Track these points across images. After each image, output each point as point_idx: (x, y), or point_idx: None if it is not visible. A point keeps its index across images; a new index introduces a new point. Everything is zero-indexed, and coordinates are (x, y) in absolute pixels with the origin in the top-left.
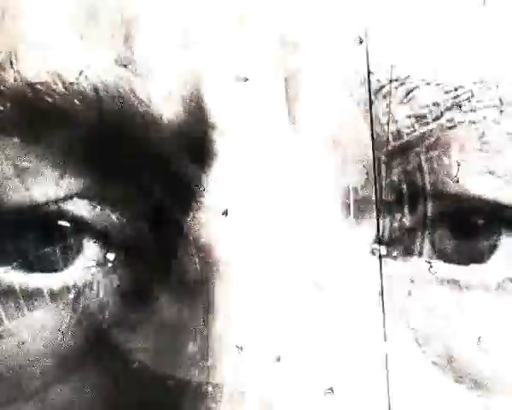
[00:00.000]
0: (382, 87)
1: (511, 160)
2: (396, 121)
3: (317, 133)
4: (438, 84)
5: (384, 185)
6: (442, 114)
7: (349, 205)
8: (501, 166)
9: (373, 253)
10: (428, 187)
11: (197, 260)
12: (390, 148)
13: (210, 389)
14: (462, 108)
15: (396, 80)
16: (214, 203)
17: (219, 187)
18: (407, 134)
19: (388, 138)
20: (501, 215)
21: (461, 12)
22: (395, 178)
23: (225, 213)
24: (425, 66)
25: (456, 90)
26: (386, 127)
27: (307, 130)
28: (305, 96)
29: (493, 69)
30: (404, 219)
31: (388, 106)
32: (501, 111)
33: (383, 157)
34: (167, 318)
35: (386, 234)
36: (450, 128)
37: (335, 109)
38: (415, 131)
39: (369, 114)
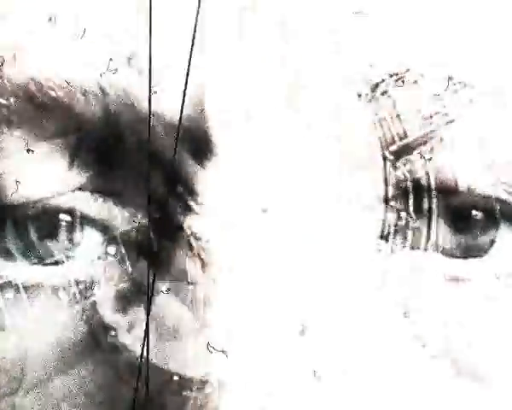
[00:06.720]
0: (383, 81)
1: (510, 154)
2: (397, 115)
3: (321, 130)
4: (438, 79)
5: (387, 180)
6: (443, 108)
7: (353, 200)
8: (500, 162)
9: (377, 247)
10: (431, 182)
11: (196, 256)
12: (391, 142)
13: (209, 386)
14: (463, 102)
15: (396, 74)
16: (213, 200)
17: (219, 183)
18: (408, 128)
19: (390, 132)
20: (499, 210)
21: (460, 3)
22: (398, 172)
23: None
24: (425, 59)
25: (456, 84)
26: (386, 121)
27: (310, 125)
28: (307, 91)
29: (494, 64)
30: (406, 215)
31: (389, 99)
32: (502, 106)
33: (386, 152)
34: (167, 314)
35: (390, 229)
36: (450, 122)
37: (338, 104)
38: (415, 125)
39: (370, 108)
